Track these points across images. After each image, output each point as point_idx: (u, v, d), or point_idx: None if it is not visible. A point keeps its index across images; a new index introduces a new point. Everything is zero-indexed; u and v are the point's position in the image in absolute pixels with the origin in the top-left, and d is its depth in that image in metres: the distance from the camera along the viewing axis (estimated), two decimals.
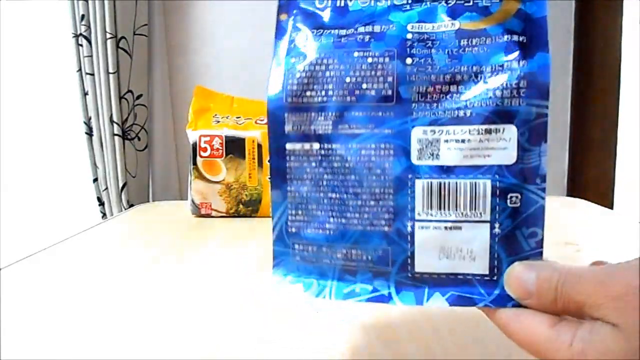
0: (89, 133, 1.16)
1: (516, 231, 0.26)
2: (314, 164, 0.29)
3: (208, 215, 0.76)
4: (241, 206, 0.75)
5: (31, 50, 1.29)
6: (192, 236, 0.67)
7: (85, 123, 1.15)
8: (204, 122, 0.77)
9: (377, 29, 0.28)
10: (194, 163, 0.75)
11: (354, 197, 0.28)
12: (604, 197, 1.19)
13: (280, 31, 0.32)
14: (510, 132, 0.26)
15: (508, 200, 0.26)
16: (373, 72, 0.28)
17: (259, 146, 0.74)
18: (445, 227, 0.27)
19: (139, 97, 1.16)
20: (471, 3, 0.28)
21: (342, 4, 0.30)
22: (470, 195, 0.26)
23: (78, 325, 0.39)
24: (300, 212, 0.30)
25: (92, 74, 1.12)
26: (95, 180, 1.18)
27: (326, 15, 0.30)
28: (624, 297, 0.20)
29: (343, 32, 0.29)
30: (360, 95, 0.28)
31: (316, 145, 0.29)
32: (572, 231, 0.63)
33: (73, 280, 0.50)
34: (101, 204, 1.19)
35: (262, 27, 1.20)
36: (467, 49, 0.27)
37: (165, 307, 0.42)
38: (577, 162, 1.24)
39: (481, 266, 0.26)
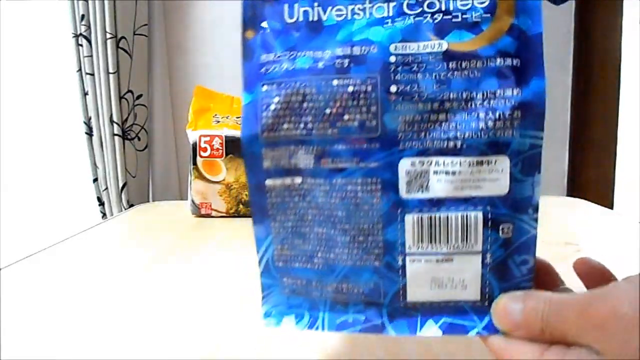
0: (89, 133, 1.16)
1: (508, 260, 0.26)
2: (297, 199, 0.27)
3: (208, 215, 0.76)
4: (241, 206, 0.75)
5: (31, 50, 1.29)
6: (192, 236, 0.67)
7: (85, 123, 1.15)
8: (204, 122, 0.77)
9: (356, 51, 0.26)
10: (194, 163, 0.75)
11: (341, 233, 0.27)
12: (604, 197, 1.19)
13: (247, 52, 0.28)
14: (503, 163, 0.24)
15: (500, 231, 0.25)
16: (355, 102, 0.26)
17: None
18: (437, 260, 0.26)
19: (139, 97, 1.16)
20: (460, 18, 0.25)
21: (316, 18, 0.27)
22: (461, 228, 0.25)
23: (78, 325, 0.39)
24: (286, 246, 0.28)
25: (92, 74, 1.12)
26: (95, 180, 1.18)
27: (299, 33, 0.27)
28: (606, 325, 0.20)
29: (319, 54, 0.26)
30: (342, 127, 0.26)
31: (298, 180, 0.27)
32: (572, 231, 0.63)
33: (73, 280, 0.50)
34: (101, 204, 1.19)
35: None
36: (456, 73, 0.25)
37: (165, 307, 0.42)
38: (577, 162, 1.24)
39: (473, 293, 0.26)
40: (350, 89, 0.25)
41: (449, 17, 0.25)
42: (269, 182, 0.28)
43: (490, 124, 0.24)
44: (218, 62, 1.23)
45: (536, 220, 0.25)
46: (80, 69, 1.13)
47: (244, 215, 0.75)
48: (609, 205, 1.19)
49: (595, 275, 0.28)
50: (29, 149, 1.33)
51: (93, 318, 0.40)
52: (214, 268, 0.52)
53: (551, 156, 1.25)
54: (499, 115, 0.24)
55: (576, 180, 1.24)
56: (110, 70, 1.10)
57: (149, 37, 1.17)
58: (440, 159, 0.25)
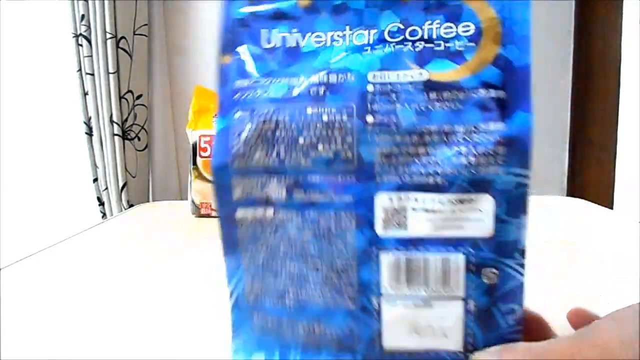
0: (89, 133, 1.16)
1: (492, 308, 0.24)
2: (268, 232, 0.25)
3: (208, 215, 0.76)
4: None
5: (31, 50, 1.29)
6: (192, 236, 0.67)
7: (85, 123, 1.15)
8: (204, 122, 0.77)
9: (333, 78, 0.24)
10: (194, 163, 0.75)
11: (314, 271, 0.25)
12: (604, 197, 1.19)
13: (223, 78, 0.26)
14: (486, 202, 0.23)
15: (484, 277, 0.23)
16: (330, 132, 0.24)
17: None
18: (415, 305, 0.24)
19: (139, 97, 1.16)
20: (442, 47, 0.24)
21: (294, 44, 0.26)
22: (442, 270, 0.24)
23: (78, 325, 0.39)
24: (257, 282, 0.26)
25: (92, 74, 1.12)
26: (95, 180, 1.18)
27: (276, 59, 0.26)
28: None
29: (295, 81, 0.25)
30: (316, 158, 0.24)
31: (270, 212, 0.25)
32: (572, 231, 0.63)
33: (73, 280, 0.50)
34: (101, 204, 1.19)
35: None
36: (437, 104, 0.23)
37: (166, 307, 0.42)
38: (577, 162, 1.24)
39: (454, 343, 0.24)
40: (325, 117, 0.24)
41: (431, 45, 0.24)
42: (239, 213, 0.26)
43: (472, 159, 0.22)
44: None
45: (523, 266, 0.23)
46: (80, 69, 1.13)
47: None
48: (609, 205, 1.19)
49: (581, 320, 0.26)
50: (29, 149, 1.33)
51: (93, 318, 0.40)
52: (214, 268, 0.52)
53: (551, 156, 1.25)
54: (482, 151, 0.22)
55: (576, 180, 1.24)
56: (110, 70, 1.10)
57: (149, 37, 1.17)
58: (420, 195, 0.23)
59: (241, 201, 0.26)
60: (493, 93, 0.23)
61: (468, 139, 0.23)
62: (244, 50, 0.26)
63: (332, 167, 0.24)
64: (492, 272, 0.23)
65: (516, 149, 0.22)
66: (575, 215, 0.73)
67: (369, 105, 0.24)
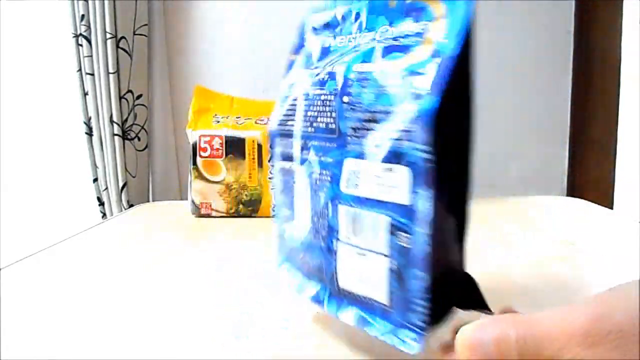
0: (89, 133, 1.16)
1: (407, 270, 0.27)
2: (292, 179, 0.35)
3: (208, 215, 0.76)
4: (241, 206, 0.75)
5: (31, 50, 1.29)
6: (192, 236, 0.67)
7: (85, 123, 1.15)
8: (204, 122, 0.77)
9: (334, 69, 0.31)
10: (194, 163, 0.75)
11: (310, 212, 0.33)
12: (604, 197, 1.19)
13: (287, 70, 0.37)
14: (403, 173, 0.27)
15: (399, 239, 0.27)
16: (324, 108, 0.31)
17: (259, 146, 0.74)
18: (357, 253, 0.29)
19: (139, 97, 1.16)
20: (399, 42, 0.29)
21: (327, 45, 0.34)
22: (373, 227, 0.28)
23: (78, 325, 0.39)
24: (284, 213, 0.36)
25: (92, 74, 1.12)
26: (95, 180, 1.18)
27: (316, 56, 0.35)
28: (590, 334, 0.18)
29: (316, 71, 0.33)
30: (316, 127, 0.32)
31: (291, 165, 0.34)
32: (572, 231, 0.63)
33: (73, 280, 0.50)
34: (101, 204, 1.19)
35: (262, 27, 1.20)
36: (386, 89, 0.28)
37: (166, 307, 0.42)
38: (577, 162, 1.24)
39: (381, 296, 0.28)
40: (323, 97, 0.31)
41: (396, 42, 0.29)
42: (278, 164, 0.36)
43: (395, 134, 0.27)
44: (218, 62, 1.24)
45: (430, 237, 0.26)
46: (80, 69, 1.13)
47: (244, 215, 0.75)
48: (609, 205, 1.19)
49: None
50: (29, 149, 1.33)
51: (93, 318, 0.40)
52: (214, 268, 0.52)
53: (551, 156, 1.25)
54: (401, 127, 0.27)
55: (576, 180, 1.24)
56: (110, 70, 1.10)
57: (149, 37, 1.17)
58: (368, 163, 0.28)
59: (279, 157, 0.36)
60: (419, 80, 0.27)
61: (397, 118, 0.27)
62: (302, 51, 0.36)
63: (324, 135, 0.31)
64: (406, 236, 0.27)
65: (421, 128, 0.25)
66: (575, 215, 0.73)
67: (347, 89, 0.30)
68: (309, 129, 0.32)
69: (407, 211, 0.26)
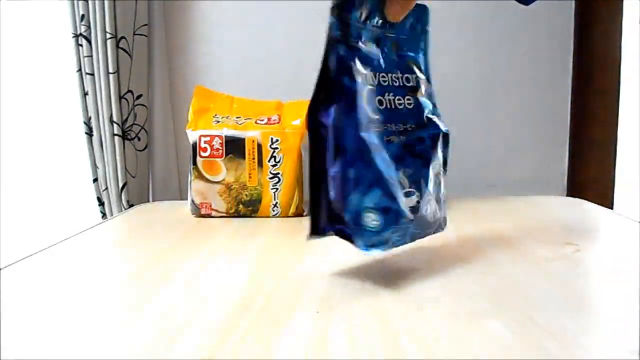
0: (89, 133, 1.16)
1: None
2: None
3: (208, 215, 0.76)
4: (241, 206, 0.75)
5: (31, 50, 1.29)
6: (192, 236, 0.67)
7: (85, 123, 1.15)
8: (204, 122, 0.77)
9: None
10: (194, 163, 0.75)
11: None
12: (604, 197, 1.19)
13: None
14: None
15: None
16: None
17: (259, 146, 0.74)
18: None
19: (139, 97, 1.16)
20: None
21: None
22: None
23: (78, 326, 0.39)
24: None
25: (92, 74, 1.12)
26: (95, 180, 1.18)
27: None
28: None
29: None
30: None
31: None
32: (572, 231, 0.63)
33: (73, 281, 0.50)
34: (101, 204, 1.19)
35: (262, 27, 1.20)
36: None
37: (165, 307, 0.42)
38: (577, 162, 1.24)
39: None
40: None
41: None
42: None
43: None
44: (218, 62, 1.23)
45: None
46: (80, 69, 1.13)
47: (244, 215, 0.75)
48: (609, 205, 1.19)
49: None
50: (29, 149, 1.33)
51: (93, 318, 0.40)
52: (214, 268, 0.52)
53: (551, 156, 1.25)
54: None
55: (576, 180, 1.24)
56: (110, 70, 1.10)
57: (149, 37, 1.17)
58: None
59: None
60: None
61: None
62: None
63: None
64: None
65: None
66: (575, 215, 0.73)
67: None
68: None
69: None
